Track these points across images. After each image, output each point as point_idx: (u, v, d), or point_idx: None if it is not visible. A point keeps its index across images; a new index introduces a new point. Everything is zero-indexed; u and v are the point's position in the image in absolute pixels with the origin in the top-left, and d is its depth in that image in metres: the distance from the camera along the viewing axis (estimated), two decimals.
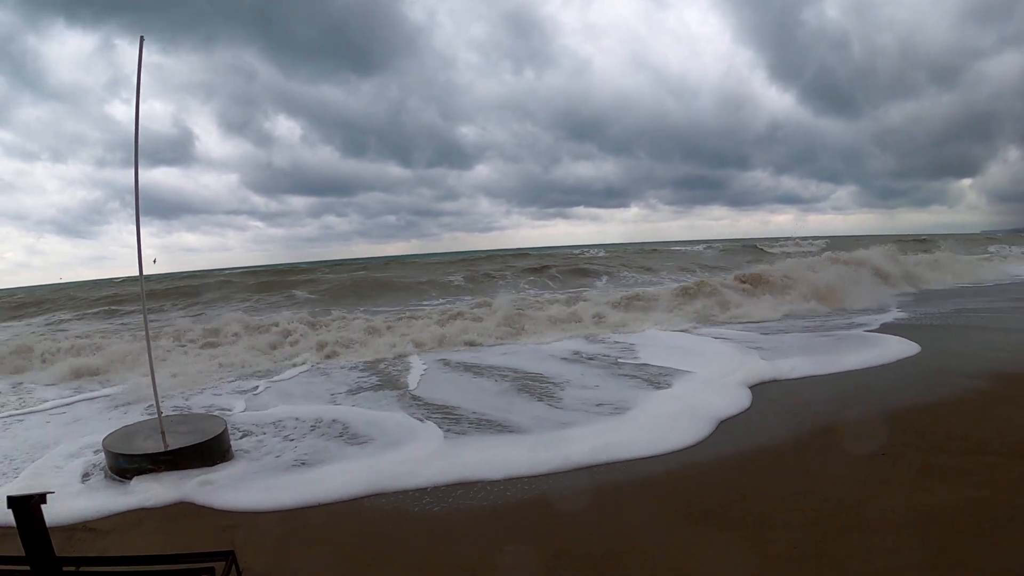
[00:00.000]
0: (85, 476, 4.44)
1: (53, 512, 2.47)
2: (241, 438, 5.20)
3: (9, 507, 2.11)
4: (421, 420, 5.57)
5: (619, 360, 8.08)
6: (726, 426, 5.02)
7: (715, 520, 3.34)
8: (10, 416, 6.53)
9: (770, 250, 36.28)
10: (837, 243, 34.03)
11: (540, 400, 6.16)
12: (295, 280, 23.11)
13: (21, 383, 8.43)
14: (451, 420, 5.54)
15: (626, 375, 7.15)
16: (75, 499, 3.92)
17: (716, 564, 2.91)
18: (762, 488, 3.74)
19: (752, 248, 37.79)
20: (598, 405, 5.84)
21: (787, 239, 45.77)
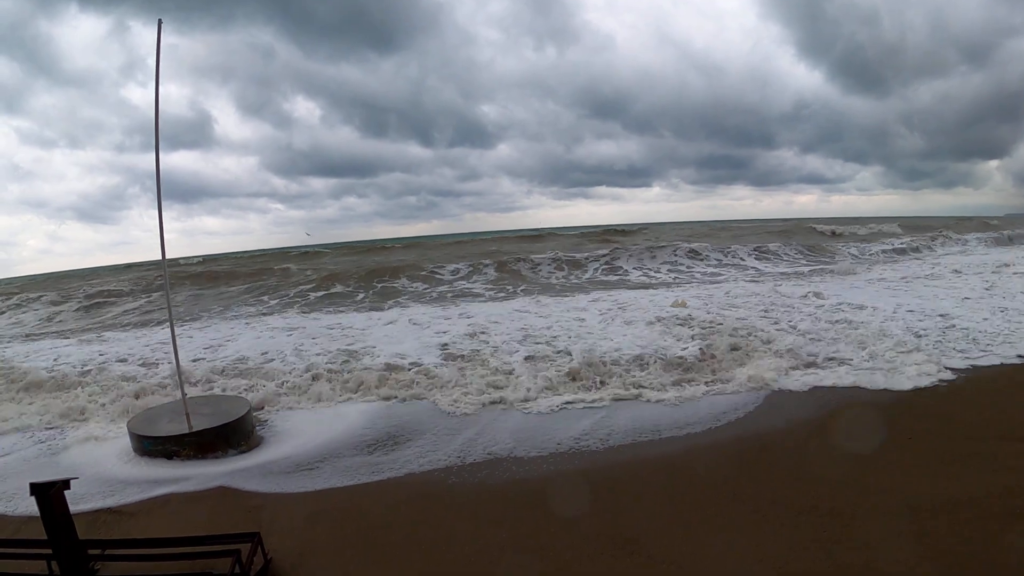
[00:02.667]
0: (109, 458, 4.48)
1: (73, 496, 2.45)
2: None
3: (32, 494, 2.09)
4: None
5: None
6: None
7: (741, 503, 3.28)
8: None
9: (827, 230, 28.27)
10: (908, 224, 29.93)
11: None
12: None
13: None
14: None
15: None
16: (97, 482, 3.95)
17: (742, 550, 2.84)
18: (788, 471, 3.67)
19: (806, 230, 29.23)
20: None
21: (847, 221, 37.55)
